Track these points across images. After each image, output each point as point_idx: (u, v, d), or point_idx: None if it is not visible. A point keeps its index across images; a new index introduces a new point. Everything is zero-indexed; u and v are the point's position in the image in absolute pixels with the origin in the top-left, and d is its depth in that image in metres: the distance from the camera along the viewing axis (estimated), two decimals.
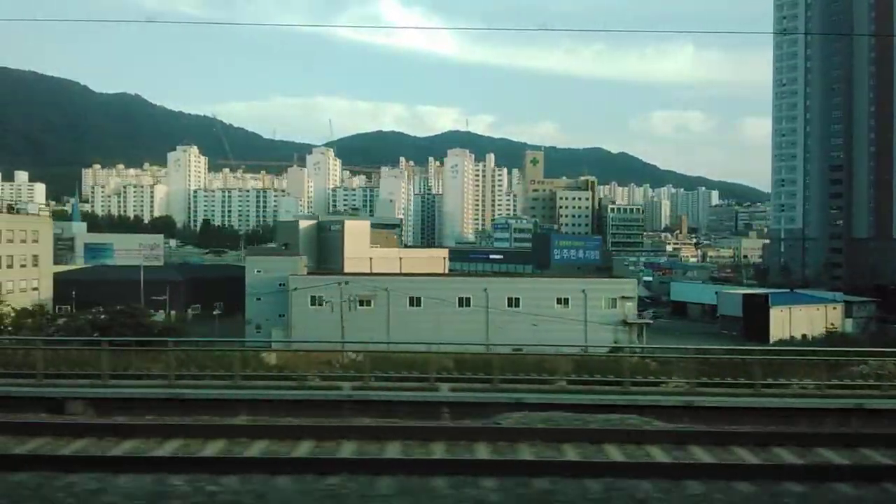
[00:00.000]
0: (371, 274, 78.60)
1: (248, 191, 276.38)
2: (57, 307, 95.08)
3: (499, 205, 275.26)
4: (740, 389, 14.88)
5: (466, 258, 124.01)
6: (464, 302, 74.96)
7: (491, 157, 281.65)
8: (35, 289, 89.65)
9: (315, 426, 11.25)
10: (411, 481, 8.73)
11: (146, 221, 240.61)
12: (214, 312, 78.40)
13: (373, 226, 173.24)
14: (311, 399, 13.97)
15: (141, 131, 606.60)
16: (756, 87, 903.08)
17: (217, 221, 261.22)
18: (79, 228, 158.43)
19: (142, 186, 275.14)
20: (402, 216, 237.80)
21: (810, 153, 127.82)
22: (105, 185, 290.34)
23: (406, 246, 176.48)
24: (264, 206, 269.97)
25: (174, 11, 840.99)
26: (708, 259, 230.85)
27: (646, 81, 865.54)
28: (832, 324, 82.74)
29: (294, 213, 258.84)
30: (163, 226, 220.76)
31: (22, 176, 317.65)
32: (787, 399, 14.32)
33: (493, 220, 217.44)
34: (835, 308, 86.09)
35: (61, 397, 14.00)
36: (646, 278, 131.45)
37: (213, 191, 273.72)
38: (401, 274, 79.53)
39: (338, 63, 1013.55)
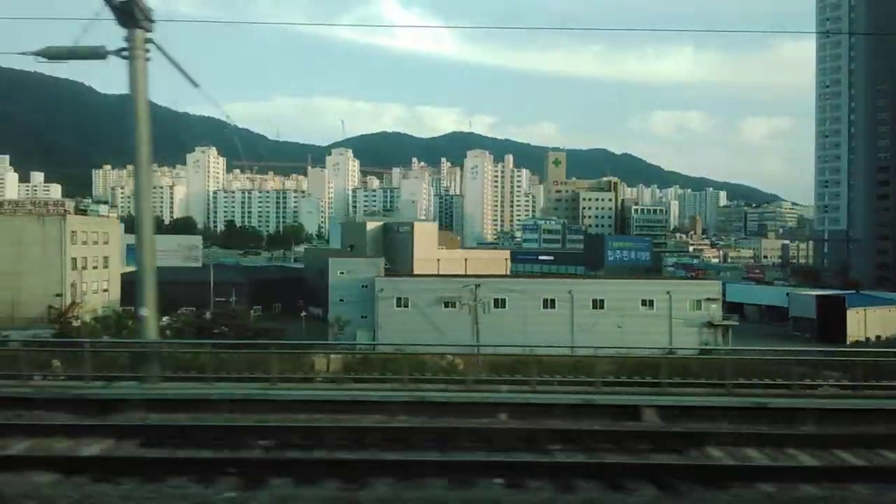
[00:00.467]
0: (454, 275, 78.75)
1: (267, 192, 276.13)
2: (122, 309, 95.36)
3: (517, 205, 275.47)
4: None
5: (514, 259, 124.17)
6: (548, 303, 75.20)
7: (509, 159, 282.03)
8: (105, 290, 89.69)
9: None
10: None
11: (167, 223, 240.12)
12: (302, 314, 78.55)
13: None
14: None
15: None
16: (757, 88, 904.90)
17: (237, 222, 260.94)
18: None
19: (161, 187, 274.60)
20: (423, 217, 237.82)
21: (855, 154, 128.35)
22: (125, 185, 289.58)
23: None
24: (284, 207, 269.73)
25: (174, 11, 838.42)
26: (729, 259, 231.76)
27: (647, 82, 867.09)
28: None
29: (316, 214, 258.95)
30: (184, 226, 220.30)
31: (38, 177, 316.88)
32: None
33: (519, 220, 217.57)
34: None
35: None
36: None
37: (232, 192, 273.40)
38: (486, 276, 79.59)
39: (338, 64, 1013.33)
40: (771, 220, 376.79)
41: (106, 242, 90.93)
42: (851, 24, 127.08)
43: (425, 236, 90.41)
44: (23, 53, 14.93)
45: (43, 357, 21.76)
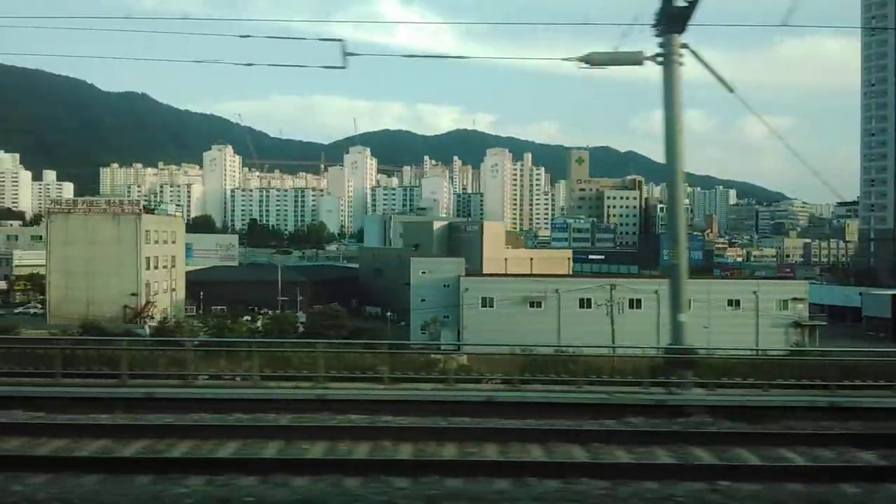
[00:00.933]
0: (536, 275, 78.34)
1: (285, 190, 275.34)
2: (185, 307, 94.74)
3: (536, 204, 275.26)
4: None
5: None
6: (634, 304, 74.74)
7: (528, 157, 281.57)
8: (173, 289, 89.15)
9: None
10: None
11: (186, 221, 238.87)
12: (388, 314, 78.09)
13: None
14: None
15: (150, 130, 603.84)
16: (759, 87, 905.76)
17: (255, 221, 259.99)
18: None
19: (178, 186, 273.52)
20: (444, 214, 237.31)
21: None
22: (140, 184, 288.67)
23: None
24: (302, 206, 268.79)
25: (175, 10, 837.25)
26: (752, 259, 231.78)
27: (648, 80, 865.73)
28: None
29: (335, 212, 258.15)
30: (203, 225, 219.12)
31: (50, 175, 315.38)
32: None
33: (538, 219, 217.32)
34: None
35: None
36: None
37: (250, 190, 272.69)
38: (566, 275, 79.20)
39: (336, 62, 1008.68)
40: (783, 218, 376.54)
41: (173, 242, 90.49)
42: None
43: (494, 236, 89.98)
44: (566, 59, 14.19)
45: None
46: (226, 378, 17.30)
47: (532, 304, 74.21)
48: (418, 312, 76.24)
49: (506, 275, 76.94)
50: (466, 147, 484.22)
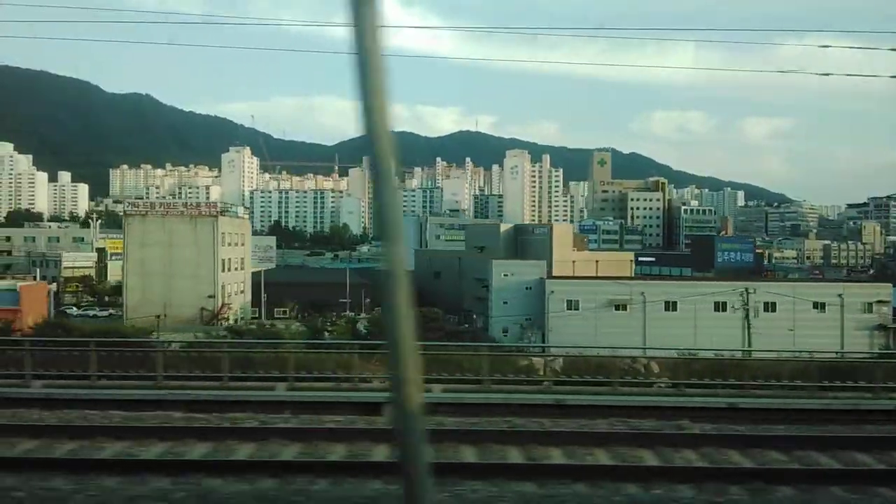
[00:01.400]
0: (617, 278, 78.28)
1: (304, 192, 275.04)
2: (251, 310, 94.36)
3: (555, 206, 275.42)
4: None
5: None
6: (720, 307, 74.66)
7: (546, 159, 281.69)
8: (242, 291, 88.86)
9: None
10: None
11: None
12: (473, 316, 77.82)
13: (466, 227, 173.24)
14: None
15: (155, 131, 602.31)
16: (759, 88, 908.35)
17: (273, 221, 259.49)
18: None
19: (197, 187, 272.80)
20: (466, 215, 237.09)
21: None
22: (159, 185, 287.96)
23: None
24: (322, 207, 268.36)
25: (175, 11, 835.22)
26: (773, 260, 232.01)
27: (649, 81, 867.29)
28: None
29: (356, 214, 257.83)
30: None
31: (65, 177, 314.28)
32: None
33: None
34: None
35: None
36: None
37: (269, 192, 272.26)
38: (649, 277, 79.11)
39: (336, 62, 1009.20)
40: (793, 220, 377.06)
41: (242, 244, 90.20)
42: None
43: (562, 238, 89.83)
44: None
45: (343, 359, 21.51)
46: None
47: (617, 307, 74.18)
48: (499, 316, 76.10)
49: (591, 277, 76.90)
50: (471, 148, 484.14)
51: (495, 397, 15.63)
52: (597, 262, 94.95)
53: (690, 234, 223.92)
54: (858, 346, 68.52)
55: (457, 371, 18.40)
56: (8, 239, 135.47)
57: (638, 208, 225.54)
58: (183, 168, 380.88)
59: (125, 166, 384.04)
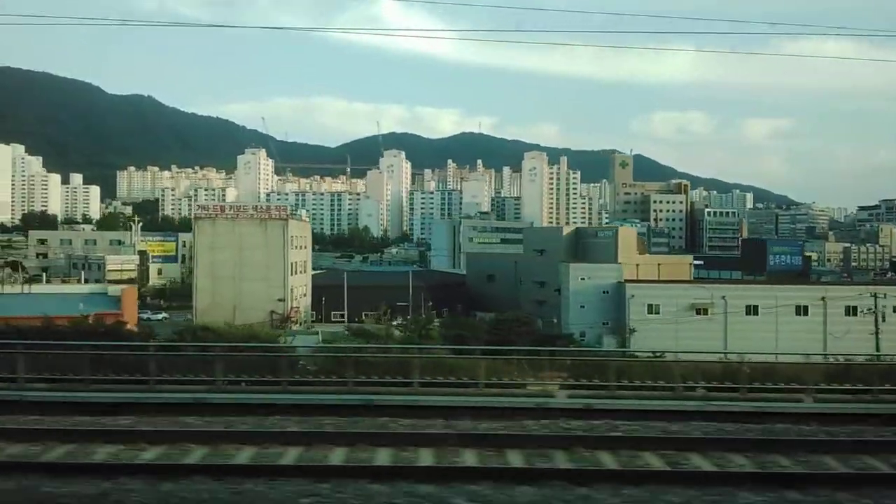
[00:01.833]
0: (700, 280, 77.50)
1: (321, 194, 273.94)
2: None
3: (573, 208, 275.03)
4: None
5: None
6: (801, 310, 73.94)
7: (564, 161, 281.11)
8: (305, 294, 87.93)
9: None
10: None
11: None
12: (554, 320, 76.90)
13: (500, 229, 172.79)
14: None
15: (158, 133, 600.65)
16: (760, 89, 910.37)
17: None
18: None
19: (213, 189, 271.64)
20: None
21: None
22: (175, 188, 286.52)
23: None
24: (339, 209, 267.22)
25: (175, 13, 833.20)
26: None
27: (650, 83, 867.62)
28: None
29: (375, 216, 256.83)
30: None
31: (76, 178, 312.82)
32: None
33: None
34: None
35: None
36: None
37: (286, 194, 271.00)
38: (730, 281, 78.32)
39: (336, 64, 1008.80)
40: (804, 221, 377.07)
41: (305, 247, 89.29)
42: None
43: (627, 241, 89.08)
44: None
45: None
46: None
47: (698, 311, 73.33)
48: (576, 319, 75.20)
49: (670, 281, 76.03)
50: (475, 150, 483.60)
51: (690, 405, 15.20)
52: (658, 265, 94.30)
53: (714, 237, 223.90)
54: None
55: (595, 377, 17.99)
56: (42, 241, 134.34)
57: (661, 210, 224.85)
58: (190, 170, 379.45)
59: (132, 168, 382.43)
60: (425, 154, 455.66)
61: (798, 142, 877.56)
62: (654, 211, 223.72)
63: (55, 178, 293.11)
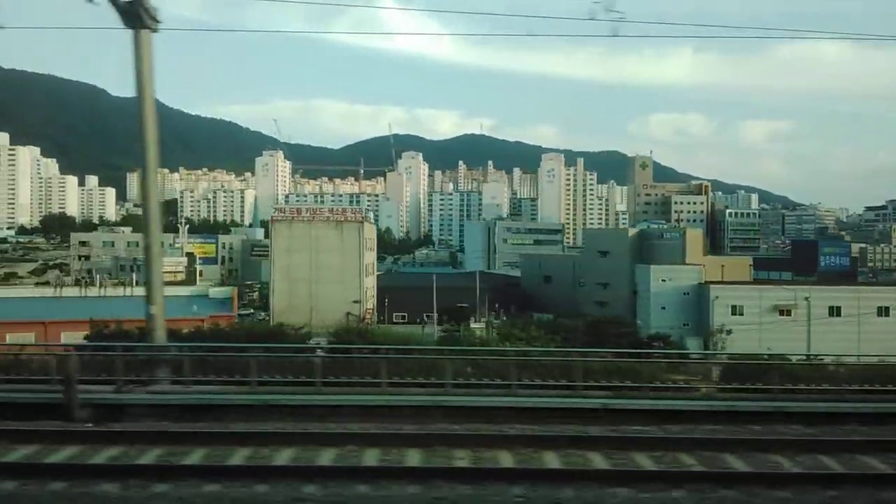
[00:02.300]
0: (784, 282, 77.52)
1: (340, 195, 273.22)
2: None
3: (590, 209, 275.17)
4: None
5: None
6: (882, 311, 74.13)
7: (580, 162, 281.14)
8: (373, 296, 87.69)
9: None
10: None
11: (247, 225, 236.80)
12: (638, 321, 76.71)
13: (534, 231, 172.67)
14: None
15: (165, 134, 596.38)
16: (760, 91, 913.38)
17: None
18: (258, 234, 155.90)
19: (232, 191, 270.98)
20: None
21: None
22: (193, 189, 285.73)
23: None
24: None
25: (175, 14, 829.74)
26: None
27: (650, 84, 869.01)
28: None
29: (395, 217, 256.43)
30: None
31: (92, 181, 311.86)
32: None
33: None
34: None
35: None
36: None
37: (304, 195, 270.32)
38: (808, 283, 78.38)
39: (335, 66, 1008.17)
40: (810, 222, 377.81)
41: (372, 249, 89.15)
42: None
43: (694, 243, 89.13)
44: None
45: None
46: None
47: (781, 312, 73.41)
48: (656, 321, 75.14)
49: (753, 282, 76.07)
50: (477, 151, 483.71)
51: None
52: (722, 266, 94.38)
53: (735, 237, 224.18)
54: None
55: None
56: (83, 243, 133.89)
57: (682, 211, 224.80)
58: (200, 171, 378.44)
59: (142, 169, 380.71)
60: (428, 155, 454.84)
61: (798, 143, 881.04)
62: (676, 212, 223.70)
63: (72, 180, 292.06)
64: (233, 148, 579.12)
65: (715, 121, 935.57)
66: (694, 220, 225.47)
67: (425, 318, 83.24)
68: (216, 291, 66.02)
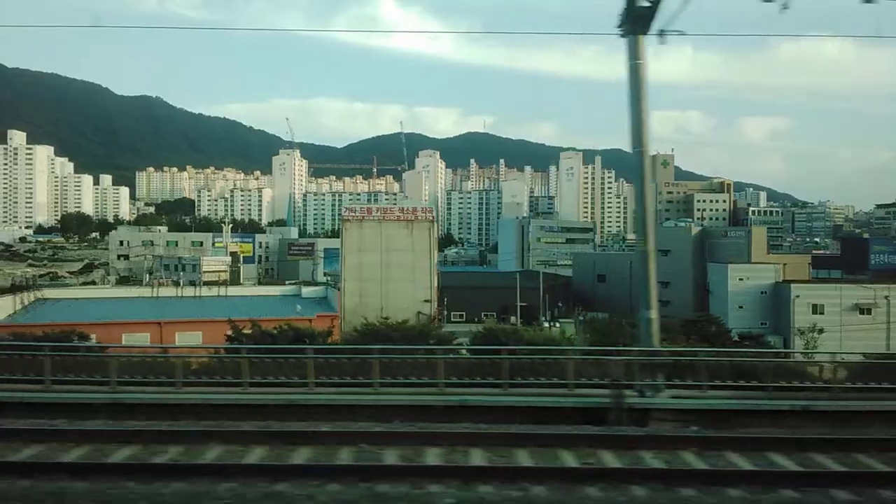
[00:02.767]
0: (864, 281, 76.71)
1: (358, 194, 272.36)
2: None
3: (608, 207, 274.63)
4: None
5: None
6: None
7: (598, 160, 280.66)
8: (436, 296, 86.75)
9: None
10: None
11: (265, 224, 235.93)
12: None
13: (566, 229, 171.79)
14: None
15: (169, 133, 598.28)
16: (759, 89, 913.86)
17: (327, 224, 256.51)
18: (292, 233, 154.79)
19: (249, 191, 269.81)
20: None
21: None
22: (210, 189, 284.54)
23: None
24: None
25: (175, 14, 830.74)
26: None
27: (650, 82, 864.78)
28: None
29: None
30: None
31: (106, 180, 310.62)
32: None
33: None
34: None
35: None
36: None
37: (322, 194, 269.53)
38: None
39: (335, 64, 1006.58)
40: (821, 220, 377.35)
41: (435, 248, 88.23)
42: None
43: (759, 241, 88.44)
44: None
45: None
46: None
47: (862, 311, 72.76)
48: (734, 320, 74.30)
49: (834, 280, 75.33)
50: (481, 149, 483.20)
51: None
52: (784, 265, 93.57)
53: None
54: None
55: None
56: (122, 243, 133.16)
57: (704, 210, 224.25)
58: (208, 170, 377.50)
59: (151, 168, 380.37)
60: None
61: (798, 142, 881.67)
62: (699, 210, 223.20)
63: (87, 179, 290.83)
64: (238, 146, 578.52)
65: (714, 118, 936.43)
66: (716, 218, 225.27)
67: (502, 317, 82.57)
68: (308, 291, 65.06)
